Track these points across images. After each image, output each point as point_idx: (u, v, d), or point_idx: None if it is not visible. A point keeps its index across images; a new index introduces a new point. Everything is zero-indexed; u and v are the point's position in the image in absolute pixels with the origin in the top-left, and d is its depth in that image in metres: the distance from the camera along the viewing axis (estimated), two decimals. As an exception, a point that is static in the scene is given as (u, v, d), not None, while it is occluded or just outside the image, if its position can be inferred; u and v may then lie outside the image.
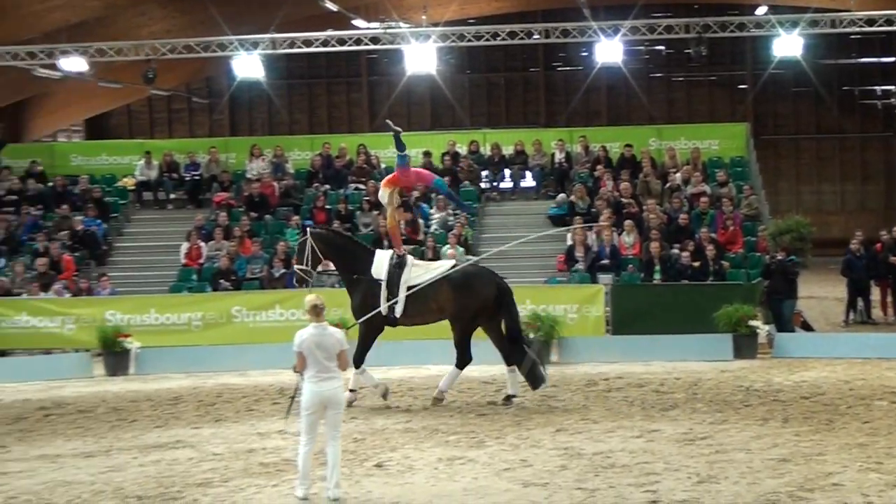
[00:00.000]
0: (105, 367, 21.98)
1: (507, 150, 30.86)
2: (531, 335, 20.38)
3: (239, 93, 43.65)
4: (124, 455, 14.61)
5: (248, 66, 28.06)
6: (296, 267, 17.64)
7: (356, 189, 29.83)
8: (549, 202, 29.00)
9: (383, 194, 18.14)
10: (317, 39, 28.29)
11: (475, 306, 17.62)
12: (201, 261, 27.46)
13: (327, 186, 29.95)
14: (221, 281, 26.07)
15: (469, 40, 28.41)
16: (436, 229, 27.55)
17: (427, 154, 30.20)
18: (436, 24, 28.86)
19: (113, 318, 23.69)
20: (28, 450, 15.08)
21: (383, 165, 30.24)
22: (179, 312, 24.48)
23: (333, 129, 44.99)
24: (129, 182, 31.46)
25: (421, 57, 28.10)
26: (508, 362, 17.73)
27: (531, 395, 18.03)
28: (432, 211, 28.46)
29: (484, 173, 30.57)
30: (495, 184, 30.53)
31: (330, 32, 29.45)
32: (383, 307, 17.23)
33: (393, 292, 17.29)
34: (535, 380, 17.69)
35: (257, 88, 42.15)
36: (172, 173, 31.26)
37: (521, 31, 27.59)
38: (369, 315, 17.28)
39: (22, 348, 24.34)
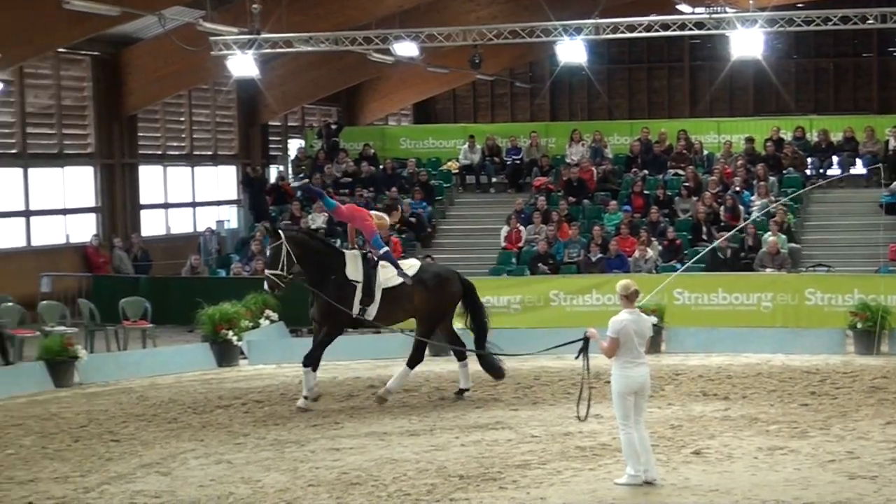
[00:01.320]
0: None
1: (836, 137, 29.73)
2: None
3: (560, 78, 43.74)
4: (447, 434, 14.90)
5: (571, 51, 28.08)
6: (267, 272, 16.63)
7: (675, 175, 29.45)
8: (881, 190, 27.78)
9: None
10: (640, 24, 28.01)
11: (448, 305, 17.46)
12: (520, 244, 27.75)
13: (646, 172, 29.70)
14: (539, 264, 26.26)
15: (798, 25, 27.50)
16: (757, 216, 26.83)
17: (749, 140, 29.48)
18: (763, 9, 27.99)
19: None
20: (358, 427, 15.59)
21: (705, 152, 29.71)
22: (499, 295, 24.74)
23: (653, 114, 44.50)
24: (452, 165, 32.14)
25: (747, 42, 27.41)
26: (461, 357, 17.50)
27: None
28: (753, 198, 27.72)
29: (809, 160, 29.57)
30: (822, 171, 29.48)
31: (653, 17, 29.10)
32: (356, 309, 16.71)
33: (369, 294, 16.75)
34: (497, 371, 17.57)
35: (578, 73, 42.11)
36: (494, 157, 31.71)
37: (855, 16, 26.47)
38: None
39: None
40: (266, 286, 17.05)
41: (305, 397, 16.70)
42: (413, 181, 30.94)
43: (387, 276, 16.90)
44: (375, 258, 16.90)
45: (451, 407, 16.85)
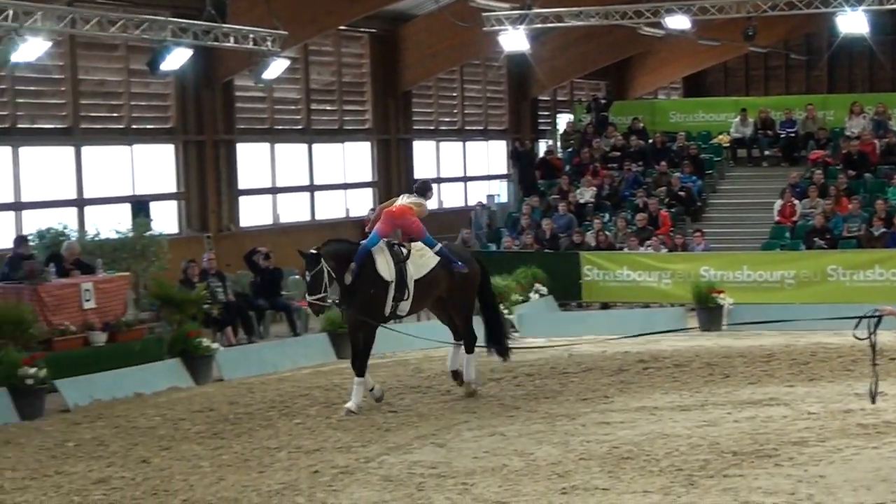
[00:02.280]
0: (699, 321, 22.10)
1: None
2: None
3: (839, 49, 42.13)
4: (719, 410, 14.59)
5: (852, 21, 26.97)
6: (309, 299, 15.45)
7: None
8: None
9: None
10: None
11: (475, 286, 16.31)
12: (795, 218, 26.92)
13: (935, 144, 28.31)
14: (815, 239, 25.41)
15: None
16: None
17: None
18: None
19: (707, 274, 23.74)
20: (628, 401, 15.45)
21: None
22: (772, 270, 24.11)
23: (944, 83, 42.31)
24: (723, 139, 31.43)
25: None
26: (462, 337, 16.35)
27: None
28: None
29: None
30: None
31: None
32: (388, 308, 15.59)
33: (402, 290, 15.55)
34: (505, 352, 16.83)
35: (859, 44, 40.41)
36: (767, 130, 30.84)
37: None
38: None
39: (621, 301, 25.03)
40: (310, 310, 16.66)
41: (353, 408, 15.26)
42: (682, 155, 30.41)
43: (417, 266, 15.81)
44: (405, 251, 15.79)
45: (723, 382, 16.50)
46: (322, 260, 15.28)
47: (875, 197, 26.46)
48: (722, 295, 22.15)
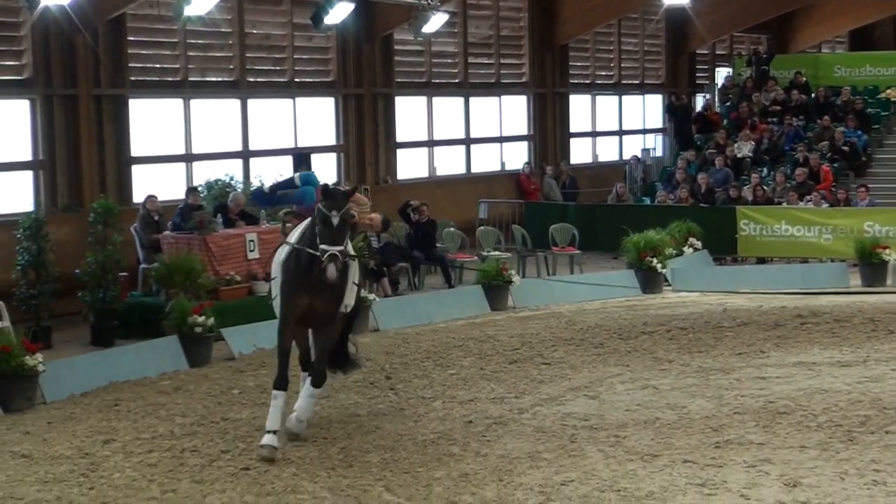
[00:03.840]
0: (861, 277, 21.53)
1: None
2: None
3: None
4: (882, 366, 14.20)
5: None
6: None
7: None
8: None
9: None
10: None
11: None
12: (964, 174, 26.01)
13: None
14: None
15: None
16: None
17: None
18: None
19: (871, 230, 23.06)
20: (785, 356, 15.15)
21: None
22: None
23: None
24: (891, 94, 30.47)
25: None
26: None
27: None
28: None
29: None
30: None
31: None
32: None
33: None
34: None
35: None
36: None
37: None
38: None
39: (780, 256, 24.53)
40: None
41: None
42: (847, 109, 29.57)
43: None
44: None
45: (887, 338, 16.05)
46: None
47: None
48: (887, 251, 21.50)
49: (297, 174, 13.03)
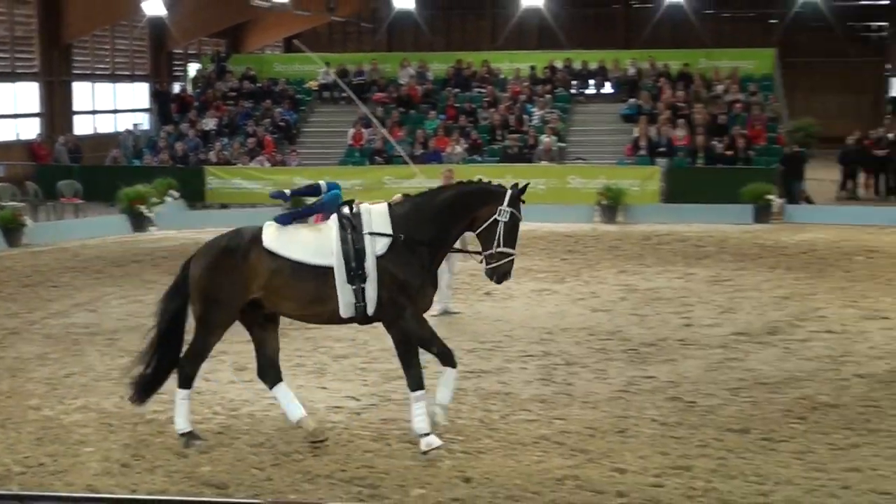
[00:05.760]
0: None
1: (593, 66, 30.09)
2: None
3: (395, 20, 43.08)
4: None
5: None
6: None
7: (478, 92, 29.48)
8: (623, 104, 28.32)
9: None
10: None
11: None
12: (362, 143, 27.57)
13: (457, 90, 29.63)
14: (376, 157, 26.18)
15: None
16: (537, 123, 27.12)
17: (532, 67, 29.64)
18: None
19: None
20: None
21: (501, 76, 29.84)
22: (346, 179, 24.22)
23: (464, 47, 44.09)
24: (313, 84, 31.49)
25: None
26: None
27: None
28: (534, 110, 27.96)
29: (574, 82, 29.89)
30: (583, 90, 29.84)
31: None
32: None
33: None
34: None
35: (409, 17, 41.64)
36: (344, 78, 31.15)
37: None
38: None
39: (235, 203, 24.80)
40: None
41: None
42: (283, 96, 30.12)
43: None
44: None
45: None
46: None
47: (417, 127, 27.47)
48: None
49: (324, 181, 8.89)
